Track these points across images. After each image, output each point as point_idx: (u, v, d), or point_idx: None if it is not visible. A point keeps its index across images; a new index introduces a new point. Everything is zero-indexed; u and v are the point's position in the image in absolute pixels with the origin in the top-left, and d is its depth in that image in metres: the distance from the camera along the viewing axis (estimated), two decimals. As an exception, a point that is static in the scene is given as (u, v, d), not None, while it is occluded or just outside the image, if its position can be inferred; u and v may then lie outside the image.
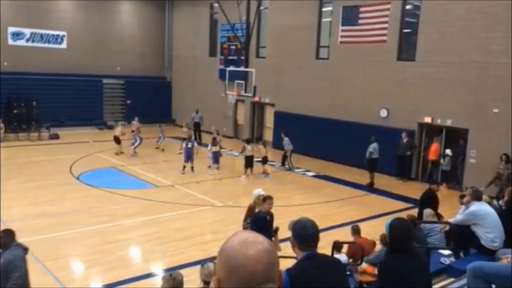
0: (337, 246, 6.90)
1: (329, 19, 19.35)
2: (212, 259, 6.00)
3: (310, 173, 17.10)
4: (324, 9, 19.75)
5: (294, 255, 3.27)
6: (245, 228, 8.09)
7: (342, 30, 18.15)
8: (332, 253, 6.55)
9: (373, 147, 15.38)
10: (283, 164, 17.87)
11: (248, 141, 16.86)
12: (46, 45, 24.63)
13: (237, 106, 24.09)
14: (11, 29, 23.54)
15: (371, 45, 17.25)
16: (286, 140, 17.63)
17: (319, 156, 18.73)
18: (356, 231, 7.82)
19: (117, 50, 26.78)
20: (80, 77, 25.17)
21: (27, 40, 24.10)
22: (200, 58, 26.24)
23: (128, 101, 26.83)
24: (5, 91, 22.21)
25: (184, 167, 16.08)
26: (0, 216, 10.50)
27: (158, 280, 6.64)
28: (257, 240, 1.39)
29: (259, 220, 7.50)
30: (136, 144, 18.78)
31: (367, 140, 15.56)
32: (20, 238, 9.53)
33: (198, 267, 5.71)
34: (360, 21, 17.54)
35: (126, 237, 10.24)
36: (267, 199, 7.73)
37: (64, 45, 25.12)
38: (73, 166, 16.66)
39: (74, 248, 9.59)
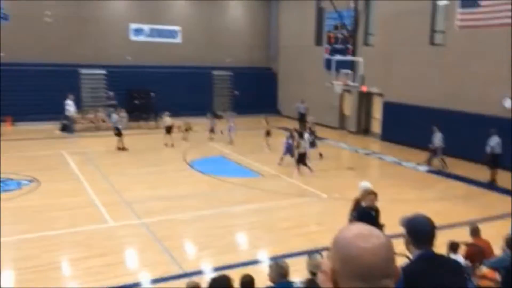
0: (453, 247, 6.44)
1: (445, 2, 17.96)
2: (318, 251, 5.98)
3: (422, 168, 16.16)
4: (440, -8, 18.41)
5: (401, 252, 3.11)
6: (350, 221, 7.92)
7: (461, 13, 16.75)
8: (448, 254, 6.14)
9: (493, 141, 14.01)
10: (429, 163, 15.97)
11: (301, 135, 15.66)
12: (163, 39, 26.51)
13: (343, 96, 23.61)
14: (132, 26, 25.74)
15: (493, 29, 15.68)
16: (439, 135, 15.59)
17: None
18: (475, 232, 7.22)
19: (226, 43, 27.89)
20: (193, 69, 26.70)
21: (147, 36, 26.16)
22: (306, 48, 26.13)
23: (237, 93, 27.77)
24: (128, 83, 24.43)
25: (282, 158, 15.90)
26: (124, 197, 11.62)
27: (264, 267, 6.82)
28: (373, 233, 1.35)
29: (363, 215, 7.27)
30: (232, 132, 19.56)
31: (487, 133, 14.24)
32: (141, 219, 10.52)
33: (303, 257, 5.74)
34: (482, 3, 16.02)
35: (234, 223, 10.66)
36: (368, 194, 7.46)
37: (179, 39, 26.81)
38: (186, 153, 17.74)
39: (188, 230, 10.24)
